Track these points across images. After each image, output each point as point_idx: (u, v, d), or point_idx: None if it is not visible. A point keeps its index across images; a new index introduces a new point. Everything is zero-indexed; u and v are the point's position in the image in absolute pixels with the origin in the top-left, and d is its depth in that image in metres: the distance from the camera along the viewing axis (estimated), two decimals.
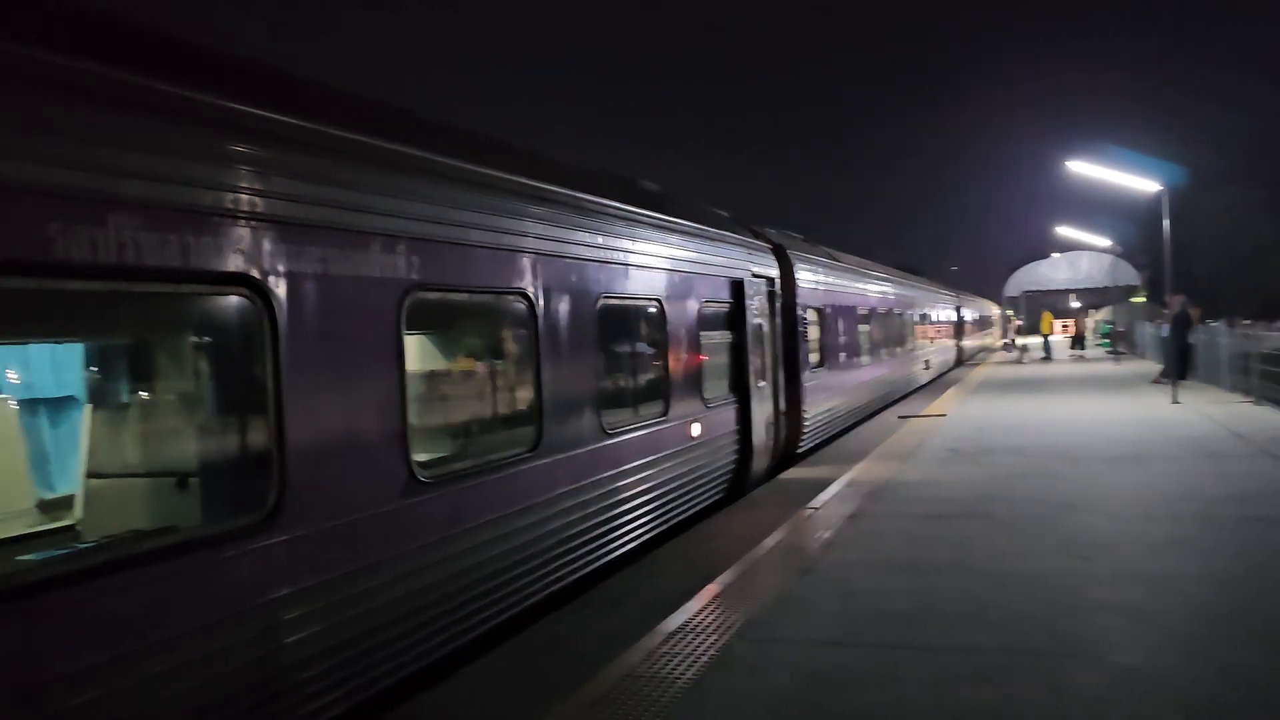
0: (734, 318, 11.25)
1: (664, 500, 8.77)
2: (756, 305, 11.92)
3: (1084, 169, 19.45)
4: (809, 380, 14.25)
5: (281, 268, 4.42)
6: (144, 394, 4.71)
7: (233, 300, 4.34)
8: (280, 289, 4.40)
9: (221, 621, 4.01)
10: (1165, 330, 22.19)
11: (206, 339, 4.54)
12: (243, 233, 4.22)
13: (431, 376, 6.23)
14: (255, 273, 4.28)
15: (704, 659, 5.35)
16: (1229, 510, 8.60)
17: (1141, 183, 19.33)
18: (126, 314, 4.40)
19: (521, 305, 6.61)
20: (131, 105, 3.77)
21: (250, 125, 4.31)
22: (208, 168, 4.08)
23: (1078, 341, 38.53)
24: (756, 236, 13.05)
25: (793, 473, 12.40)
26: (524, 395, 6.76)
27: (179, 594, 3.85)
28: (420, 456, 5.42)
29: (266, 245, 4.34)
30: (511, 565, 6.14)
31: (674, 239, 9.39)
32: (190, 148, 4.00)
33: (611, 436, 7.73)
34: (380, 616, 4.92)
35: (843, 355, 17.27)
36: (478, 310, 6.56)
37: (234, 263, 4.18)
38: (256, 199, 4.30)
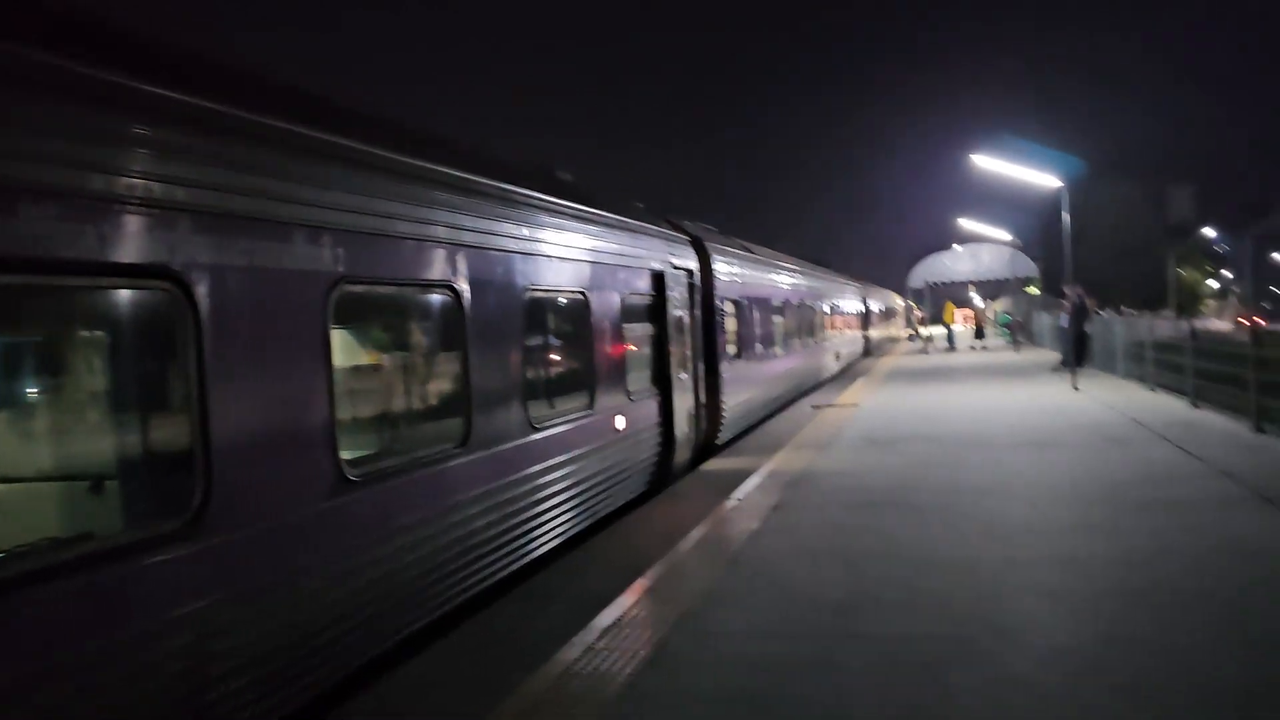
0: (655, 310, 11.24)
1: (591, 494, 8.71)
2: (677, 297, 11.94)
3: (987, 163, 20.00)
4: (727, 372, 14.35)
5: (204, 260, 4.21)
6: (57, 393, 4.44)
7: (153, 294, 4.12)
8: (202, 282, 4.20)
9: (143, 635, 3.81)
10: (1064, 320, 23.01)
11: (125, 335, 4.30)
12: (162, 223, 4.01)
13: (360, 372, 6.05)
14: (176, 265, 4.07)
15: (641, 654, 5.31)
16: (1134, 494, 8.94)
17: (1042, 177, 19.95)
18: (39, 309, 4.15)
19: (449, 298, 6.47)
20: (36, 85, 3.53)
21: (168, 108, 4.10)
22: (124, 153, 3.86)
23: (979, 332, 39.66)
24: (675, 229, 13.06)
25: (714, 464, 12.47)
26: (453, 390, 6.62)
27: (95, 607, 3.64)
28: (349, 454, 5.26)
29: (187, 236, 4.13)
30: (442, 563, 6.01)
31: (597, 230, 9.32)
32: (104, 132, 3.78)
33: (539, 430, 7.63)
34: (311, 621, 4.75)
35: (759, 346, 17.45)
36: (406, 304, 6.39)
37: (153, 255, 3.96)
38: (176, 188, 4.09)
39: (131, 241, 3.87)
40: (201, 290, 4.18)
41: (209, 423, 4.18)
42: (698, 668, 5.11)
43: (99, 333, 4.17)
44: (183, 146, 4.15)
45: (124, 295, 4.13)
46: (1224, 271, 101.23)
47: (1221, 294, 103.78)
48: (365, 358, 6.19)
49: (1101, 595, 6.01)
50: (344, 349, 5.46)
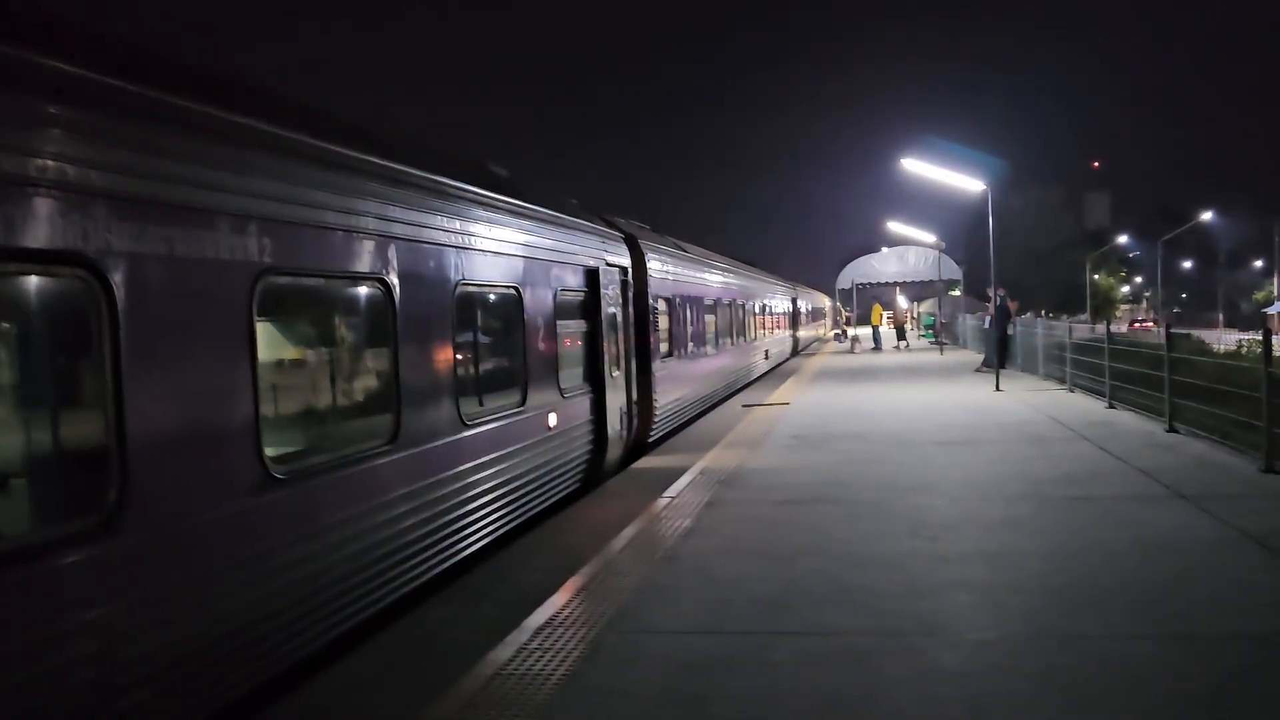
0: (589, 306, 11.17)
1: (522, 492, 8.61)
2: (611, 294, 11.88)
3: (916, 166, 20.33)
4: (660, 370, 14.34)
5: (120, 247, 4.03)
6: None
7: (65, 282, 3.93)
8: (119, 270, 4.02)
9: (49, 641, 3.63)
10: (987, 322, 23.52)
11: (35, 324, 4.10)
12: (76, 208, 3.82)
13: (285, 366, 5.87)
14: (91, 252, 3.89)
15: (575, 653, 5.25)
16: (1056, 490, 9.15)
17: (968, 181, 20.37)
18: None
19: (379, 291, 6.32)
20: None
21: (82, 88, 3.91)
22: (32, 132, 3.67)
23: (900, 333, 40.22)
24: (609, 226, 13.01)
25: (645, 462, 12.44)
26: (382, 386, 6.47)
27: (4, 608, 3.45)
28: (273, 451, 5.10)
29: (103, 223, 3.95)
30: (370, 563, 5.87)
31: (531, 225, 9.22)
32: (12, 110, 3.59)
33: (470, 428, 7.51)
34: (232, 622, 4.59)
35: (691, 345, 17.49)
36: (334, 296, 6.23)
37: (66, 240, 3.78)
38: (90, 171, 3.90)
39: (42, 226, 3.68)
40: (117, 279, 4.00)
41: (125, 417, 4.00)
42: (632, 665, 5.07)
43: (5, 322, 3.96)
44: (97, 128, 3.96)
45: (33, 282, 3.93)
46: (1136, 278, 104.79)
47: (1134, 299, 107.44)
48: (291, 352, 6.01)
49: (1026, 591, 6.11)
50: (269, 342, 5.30)
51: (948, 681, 4.73)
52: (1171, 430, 12.49)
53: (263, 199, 4.99)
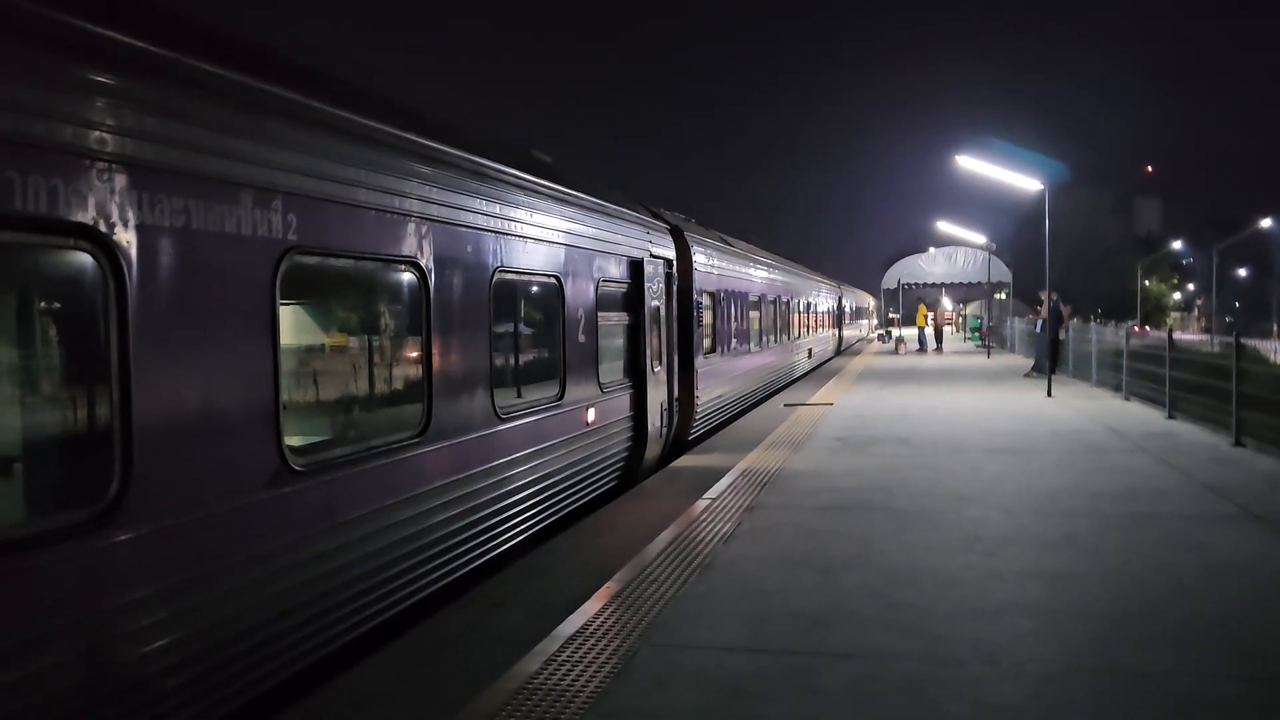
0: (632, 299, 10.82)
1: (556, 490, 8.29)
2: (655, 287, 11.53)
3: (972, 164, 19.74)
4: (702, 366, 13.97)
5: (132, 219, 3.75)
6: None
7: (70, 255, 3.65)
8: (130, 244, 3.73)
9: (45, 638, 3.36)
10: (1039, 326, 22.85)
11: (36, 300, 3.83)
12: (84, 175, 3.54)
13: (309, 351, 5.59)
14: (100, 224, 3.60)
15: (606, 668, 4.91)
16: (1116, 506, 8.67)
17: (1024, 180, 19.74)
18: None
19: (412, 275, 6.01)
20: None
21: (95, 45, 3.63)
22: (37, 92, 3.39)
23: (937, 335, 38.88)
24: (654, 216, 12.66)
25: (685, 461, 12.08)
26: (412, 375, 6.17)
27: None
28: (294, 441, 4.81)
29: (114, 192, 3.67)
30: (393, 562, 5.57)
31: (575, 212, 8.89)
32: (12, 65, 3.31)
33: (505, 421, 7.20)
34: (243, 622, 4.31)
35: (734, 341, 17.09)
36: (363, 279, 5.93)
37: (72, 211, 3.49)
38: (103, 134, 3.62)
39: (46, 194, 3.40)
40: (127, 253, 3.72)
41: (131, 401, 3.72)
42: (667, 685, 4.72)
43: (6, 296, 3.70)
44: (111, 89, 3.68)
45: (37, 256, 3.66)
46: (1189, 285, 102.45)
47: (1185, 306, 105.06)
48: (316, 337, 5.73)
49: (1092, 618, 5.68)
50: (292, 326, 5.01)
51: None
52: (1238, 444, 11.90)
53: (290, 172, 4.69)
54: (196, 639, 4.02)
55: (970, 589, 6.24)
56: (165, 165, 3.92)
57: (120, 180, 3.69)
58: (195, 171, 4.08)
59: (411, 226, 5.88)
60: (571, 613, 5.76)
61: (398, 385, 6.21)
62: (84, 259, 3.64)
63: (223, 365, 4.30)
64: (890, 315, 60.04)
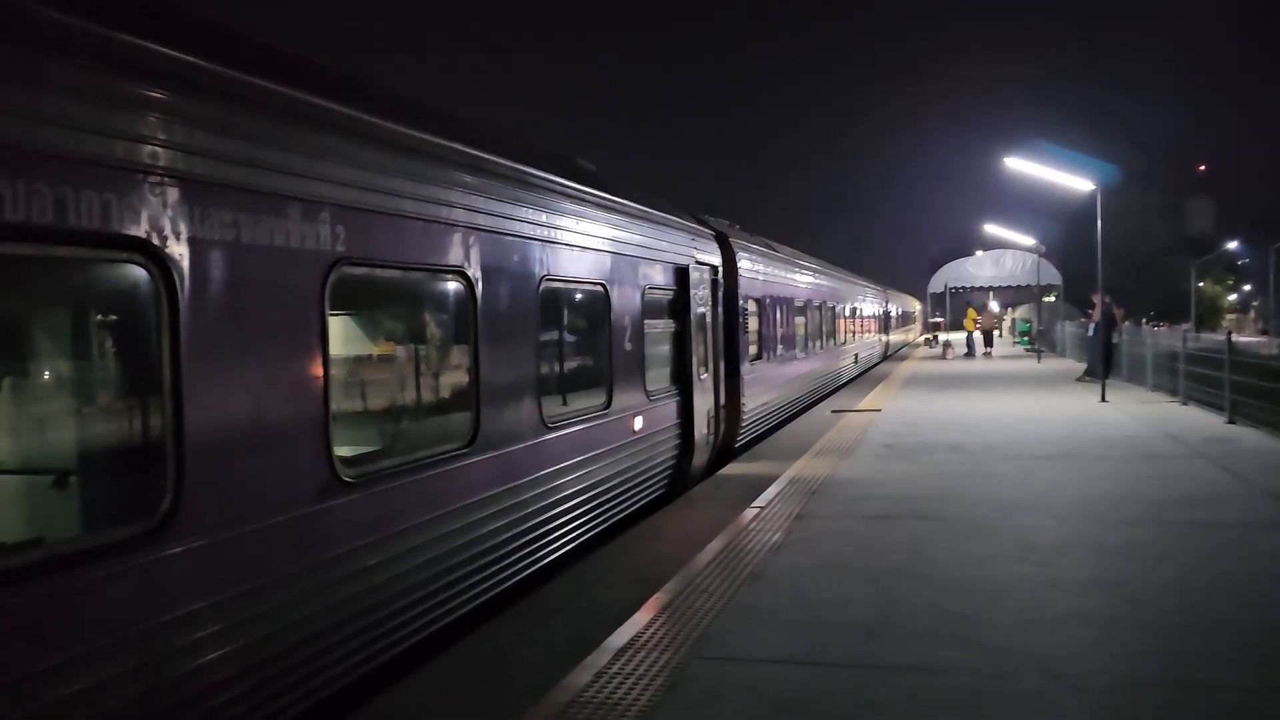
0: (678, 306, 10.77)
1: (604, 499, 8.26)
2: (700, 294, 11.47)
3: (1021, 165, 19.43)
4: (748, 373, 13.87)
5: (184, 232, 3.77)
6: (11, 377, 4.00)
7: (124, 269, 3.68)
8: (183, 257, 3.76)
9: (101, 651, 3.38)
10: (1092, 329, 22.42)
11: (91, 313, 3.88)
12: (137, 189, 3.57)
13: (358, 363, 5.61)
14: (153, 238, 3.63)
15: (658, 681, 4.85)
16: (1175, 514, 8.44)
17: (1075, 180, 19.38)
18: None
19: (459, 285, 6.02)
20: None
21: (147, 62, 3.66)
22: (93, 108, 3.42)
23: (987, 339, 38.04)
24: (699, 223, 12.60)
25: (732, 468, 12.00)
26: (460, 385, 6.17)
27: (51, 618, 3.21)
28: (344, 452, 4.82)
29: (167, 206, 3.69)
30: (442, 573, 5.57)
31: (620, 220, 8.87)
32: (71, 82, 3.34)
33: (552, 431, 7.18)
34: (293, 636, 4.32)
35: (780, 347, 16.97)
36: (411, 289, 5.94)
37: (126, 224, 3.52)
38: (157, 149, 3.65)
39: (99, 208, 3.43)
40: (180, 266, 3.74)
41: (184, 414, 3.74)
42: (721, 699, 4.65)
43: (61, 310, 3.74)
44: (160, 104, 3.71)
45: (90, 269, 3.70)
46: (1245, 286, 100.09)
47: (1241, 307, 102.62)
48: (365, 348, 5.75)
49: (1154, 630, 5.51)
50: (341, 337, 5.02)
51: None
52: None
53: (337, 184, 4.70)
54: (246, 652, 4.03)
55: (1027, 599, 6.09)
56: (216, 179, 3.94)
57: (173, 194, 3.71)
58: (246, 185, 4.10)
59: (458, 236, 5.89)
60: (621, 623, 5.71)
61: (445, 395, 6.21)
62: (138, 272, 3.67)
63: (273, 378, 4.32)
64: (933, 320, 59.20)
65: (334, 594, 4.59)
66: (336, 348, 4.81)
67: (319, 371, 4.57)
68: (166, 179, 3.69)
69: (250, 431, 4.16)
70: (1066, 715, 4.41)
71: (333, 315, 4.70)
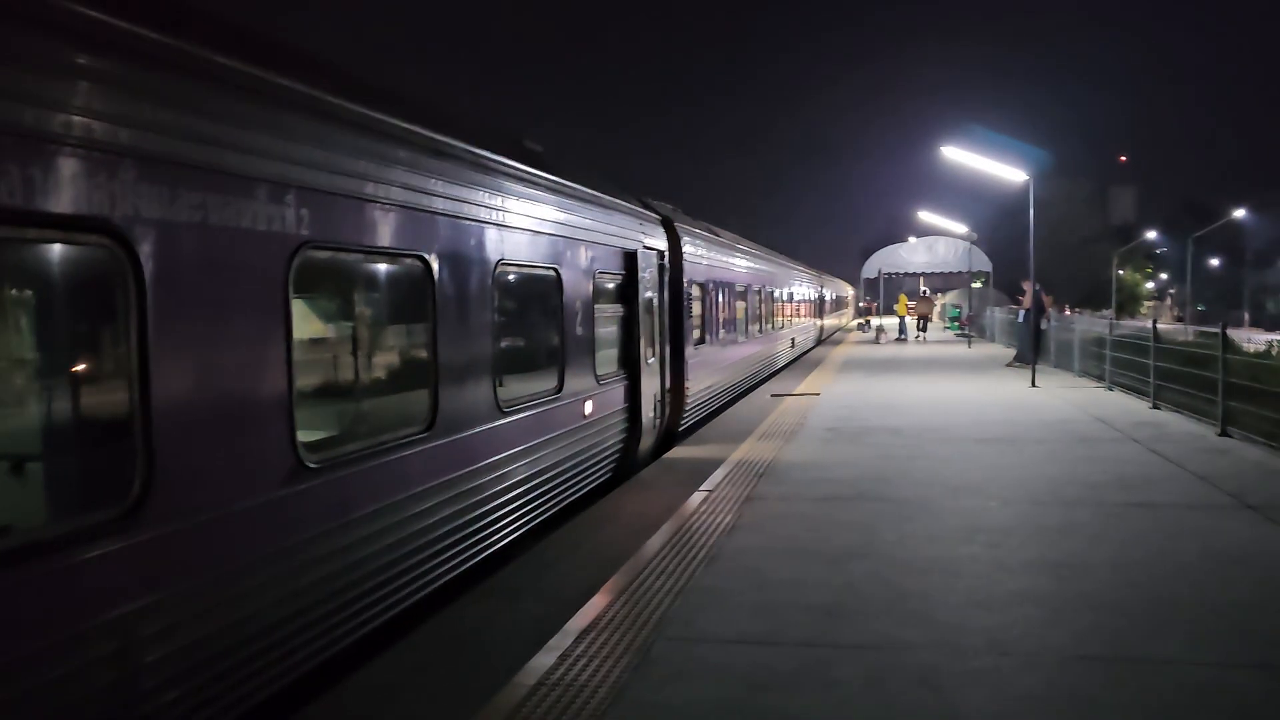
0: (626, 290, 10.79)
1: (555, 483, 8.26)
2: (648, 278, 11.50)
3: (956, 155, 19.80)
4: (693, 357, 13.96)
5: (150, 214, 3.68)
6: None
7: (87, 250, 3.58)
8: (148, 239, 3.67)
9: (68, 641, 3.30)
10: (1022, 315, 22.98)
11: (56, 297, 3.76)
12: (101, 169, 3.47)
13: (321, 346, 5.53)
14: (117, 219, 3.54)
15: (623, 661, 4.90)
16: (1112, 495, 8.74)
17: (1009, 170, 19.82)
18: None
19: (418, 269, 5.96)
20: None
21: (110, 38, 3.55)
22: (55, 84, 3.31)
23: (922, 325, 38.95)
24: (646, 207, 12.61)
25: (678, 452, 12.08)
26: (420, 370, 6.12)
27: (12, 609, 3.13)
28: (307, 438, 4.75)
29: (131, 186, 3.59)
30: (402, 557, 5.53)
31: (572, 204, 8.84)
32: (30, 58, 3.23)
33: (506, 415, 7.16)
34: (260, 621, 4.26)
35: (722, 331, 17.10)
36: (373, 274, 5.87)
37: (90, 205, 3.43)
38: (119, 129, 3.54)
39: (64, 188, 3.33)
40: (146, 249, 3.65)
41: (151, 399, 3.66)
42: (686, 678, 4.71)
43: (25, 292, 3.63)
44: (129, 81, 3.60)
45: (55, 251, 3.59)
46: (1162, 274, 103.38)
47: (1159, 295, 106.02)
48: (328, 332, 5.66)
49: (1100, 606, 5.72)
50: (305, 321, 4.94)
51: (1036, 711, 4.35)
52: (1224, 434, 12.02)
53: (303, 166, 4.62)
54: (216, 636, 3.97)
55: (978, 579, 6.27)
56: (182, 159, 3.84)
57: (137, 174, 3.62)
58: (213, 166, 4.01)
59: (418, 219, 5.82)
60: (582, 606, 5.74)
61: (406, 380, 6.15)
62: (102, 254, 3.57)
63: (239, 362, 4.24)
64: (863, 304, 60.03)
65: (298, 579, 4.53)
66: (300, 332, 4.73)
67: (284, 357, 4.50)
68: (132, 159, 3.59)
69: (216, 416, 4.08)
70: (1024, 688, 4.56)
71: (297, 299, 4.62)
